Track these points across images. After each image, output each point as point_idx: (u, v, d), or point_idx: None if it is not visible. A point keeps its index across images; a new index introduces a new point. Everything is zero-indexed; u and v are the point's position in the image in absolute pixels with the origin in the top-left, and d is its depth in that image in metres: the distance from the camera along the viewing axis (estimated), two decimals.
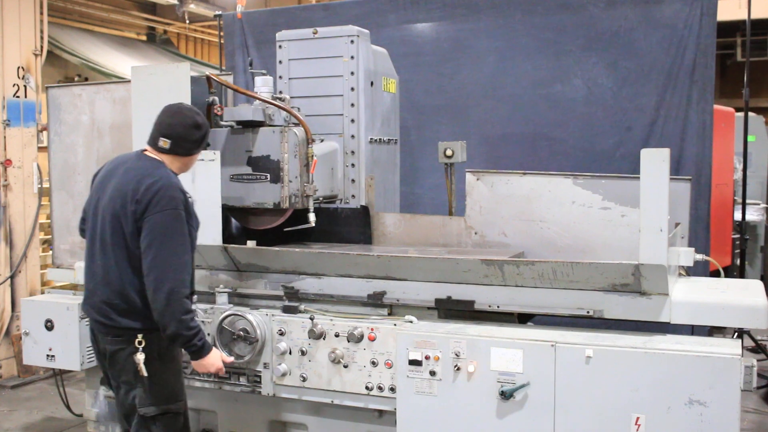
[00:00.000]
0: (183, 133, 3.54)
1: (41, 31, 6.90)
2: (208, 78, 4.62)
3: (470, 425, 3.58)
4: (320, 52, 4.90)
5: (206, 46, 14.96)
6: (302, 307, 4.12)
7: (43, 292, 6.47)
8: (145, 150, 3.60)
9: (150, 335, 3.44)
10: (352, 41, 4.82)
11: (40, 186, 6.82)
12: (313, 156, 4.47)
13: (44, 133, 5.85)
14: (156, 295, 3.33)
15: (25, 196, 6.76)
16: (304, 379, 4.04)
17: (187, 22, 12.83)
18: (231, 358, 3.90)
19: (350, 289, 4.05)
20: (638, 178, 3.44)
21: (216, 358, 3.61)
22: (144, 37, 13.45)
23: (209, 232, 4.22)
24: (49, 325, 4.65)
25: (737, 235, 7.00)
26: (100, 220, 3.51)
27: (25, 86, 6.74)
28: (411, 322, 3.87)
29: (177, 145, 3.54)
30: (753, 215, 8.58)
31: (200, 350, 3.50)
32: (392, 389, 3.81)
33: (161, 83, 4.27)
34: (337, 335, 3.95)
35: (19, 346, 6.39)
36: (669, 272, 3.49)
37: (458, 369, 3.57)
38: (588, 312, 3.65)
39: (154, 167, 3.49)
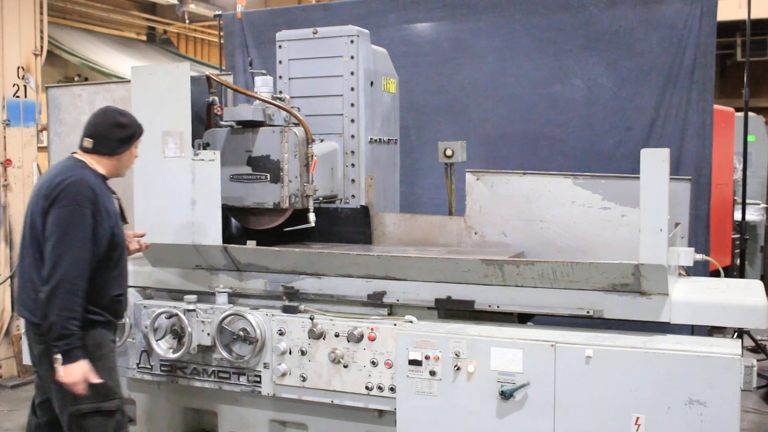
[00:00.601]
0: (105, 132, 3.59)
1: (41, 31, 6.89)
2: (208, 78, 4.62)
3: (470, 425, 3.58)
4: (320, 52, 4.90)
5: (206, 46, 14.96)
6: (302, 307, 4.12)
7: None
8: (75, 152, 3.65)
9: None
10: (352, 41, 4.81)
11: None
12: (313, 156, 4.47)
13: (44, 133, 5.85)
14: (45, 285, 3.35)
15: (25, 196, 6.74)
16: (304, 379, 4.04)
17: (187, 22, 12.82)
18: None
19: (350, 289, 4.05)
20: (638, 178, 3.44)
21: (76, 373, 3.32)
22: (144, 37, 13.44)
23: (209, 232, 4.23)
24: None
25: (737, 235, 6.99)
26: (26, 221, 3.58)
27: (25, 86, 6.73)
28: (411, 322, 3.87)
29: (100, 144, 3.59)
30: (753, 215, 8.57)
31: (64, 354, 3.31)
32: (392, 389, 3.81)
33: (161, 83, 4.27)
34: (337, 335, 3.95)
35: (19, 346, 6.39)
36: (669, 272, 3.49)
37: (458, 369, 3.57)
38: (588, 312, 3.65)
39: (73, 167, 3.53)
